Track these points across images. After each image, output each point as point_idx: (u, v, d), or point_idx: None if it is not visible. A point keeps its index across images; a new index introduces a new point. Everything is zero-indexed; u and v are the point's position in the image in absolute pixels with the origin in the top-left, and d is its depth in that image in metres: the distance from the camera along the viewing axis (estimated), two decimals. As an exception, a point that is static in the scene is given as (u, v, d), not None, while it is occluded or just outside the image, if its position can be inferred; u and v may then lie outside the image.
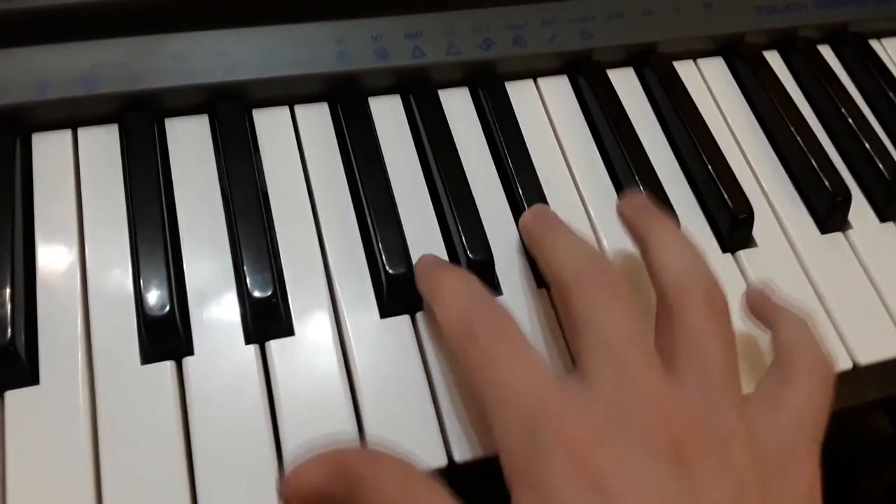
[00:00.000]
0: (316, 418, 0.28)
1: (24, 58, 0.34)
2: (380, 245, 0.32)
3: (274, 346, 0.30)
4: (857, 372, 0.34)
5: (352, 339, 0.30)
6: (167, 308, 0.29)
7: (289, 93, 0.37)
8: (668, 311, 0.28)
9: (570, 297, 0.27)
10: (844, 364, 0.33)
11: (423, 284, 0.30)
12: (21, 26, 0.33)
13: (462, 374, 0.30)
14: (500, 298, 0.32)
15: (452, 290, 0.28)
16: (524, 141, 0.37)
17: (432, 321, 0.31)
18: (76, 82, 0.34)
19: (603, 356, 0.25)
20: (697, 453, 0.23)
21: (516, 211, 0.35)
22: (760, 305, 0.32)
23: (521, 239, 0.33)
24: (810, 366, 0.28)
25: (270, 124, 0.36)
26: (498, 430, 0.24)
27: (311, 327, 0.30)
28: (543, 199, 0.35)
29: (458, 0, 0.39)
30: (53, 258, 0.31)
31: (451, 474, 0.28)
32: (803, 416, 0.27)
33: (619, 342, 0.25)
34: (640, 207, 0.31)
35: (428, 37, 0.38)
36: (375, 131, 0.36)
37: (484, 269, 0.32)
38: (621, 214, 0.32)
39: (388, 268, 0.31)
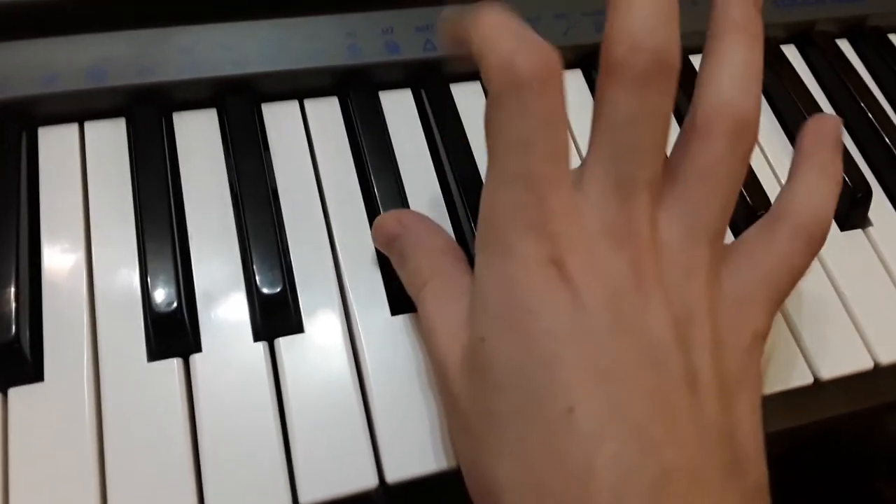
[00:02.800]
0: (325, 416, 0.28)
1: (31, 50, 0.33)
2: (391, 241, 0.31)
3: (283, 343, 0.29)
4: (878, 371, 0.33)
5: (362, 336, 0.30)
6: (174, 305, 0.28)
7: (298, 86, 0.36)
8: (691, 130, 0.26)
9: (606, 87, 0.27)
10: (865, 363, 0.33)
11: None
12: (27, 18, 0.33)
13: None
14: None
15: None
16: (537, 135, 0.36)
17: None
18: (83, 75, 0.33)
19: (604, 156, 0.26)
20: (654, 282, 0.24)
21: (529, 206, 0.34)
22: (807, 142, 0.29)
23: None
24: (800, 227, 0.27)
25: (280, 118, 0.35)
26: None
27: (321, 324, 0.30)
28: (557, 195, 0.34)
29: (469, -7, 0.38)
30: (59, 254, 0.30)
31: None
32: (771, 276, 0.27)
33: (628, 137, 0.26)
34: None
35: (439, 30, 0.37)
36: (386, 125, 0.36)
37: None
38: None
39: (399, 264, 0.30)
